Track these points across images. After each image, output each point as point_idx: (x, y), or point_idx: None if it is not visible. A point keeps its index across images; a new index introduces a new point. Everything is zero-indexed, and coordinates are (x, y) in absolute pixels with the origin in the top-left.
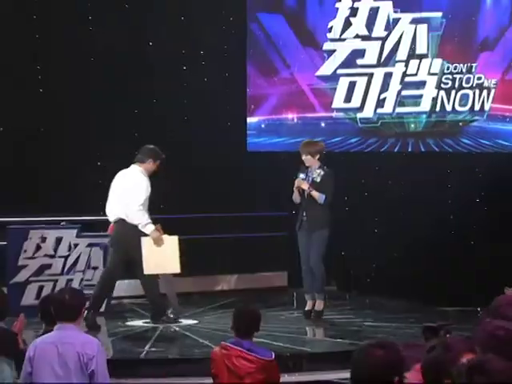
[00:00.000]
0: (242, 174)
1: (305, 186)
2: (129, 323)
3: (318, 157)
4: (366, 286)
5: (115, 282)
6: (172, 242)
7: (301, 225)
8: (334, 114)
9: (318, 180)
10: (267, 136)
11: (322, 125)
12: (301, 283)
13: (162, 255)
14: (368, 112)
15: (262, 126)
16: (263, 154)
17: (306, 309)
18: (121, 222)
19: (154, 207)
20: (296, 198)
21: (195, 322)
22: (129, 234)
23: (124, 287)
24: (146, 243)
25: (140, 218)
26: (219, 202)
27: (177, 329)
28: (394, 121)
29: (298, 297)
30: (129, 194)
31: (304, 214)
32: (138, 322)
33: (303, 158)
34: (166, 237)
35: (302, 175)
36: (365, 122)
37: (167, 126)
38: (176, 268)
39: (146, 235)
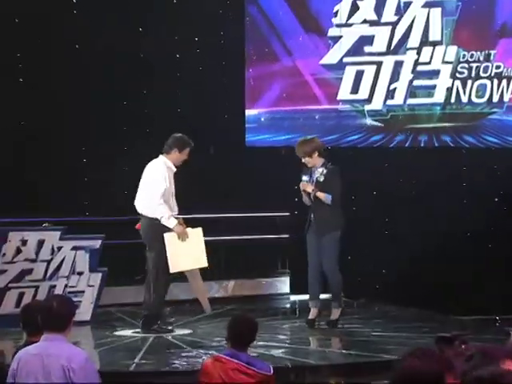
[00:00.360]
0: (240, 171)
1: (309, 189)
2: (117, 333)
3: (316, 154)
4: (375, 293)
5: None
6: (197, 235)
7: (309, 227)
8: (340, 107)
9: (322, 179)
10: (267, 130)
11: (327, 118)
12: (304, 290)
13: (187, 250)
14: (377, 104)
15: (262, 119)
16: (263, 149)
17: (310, 317)
18: (143, 217)
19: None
20: (306, 200)
21: (189, 331)
22: (150, 230)
23: (112, 294)
24: (170, 239)
25: (162, 212)
26: (214, 201)
27: (169, 338)
28: (405, 113)
29: (301, 304)
30: (147, 187)
31: (312, 216)
32: (127, 332)
33: (302, 160)
34: (189, 230)
35: (305, 177)
36: (373, 115)
37: (157, 119)
38: (203, 262)
39: (168, 230)
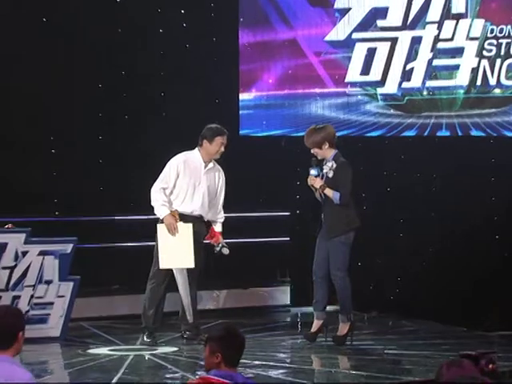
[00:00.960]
0: (232, 164)
1: (317, 184)
2: (91, 351)
3: (326, 146)
4: (389, 304)
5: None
6: (186, 231)
7: (320, 229)
8: (349, 90)
9: (331, 175)
10: (264, 116)
11: (334, 103)
12: (307, 301)
13: (176, 246)
14: (391, 87)
15: (259, 103)
16: (259, 139)
17: (311, 331)
18: None
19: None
20: (318, 196)
21: (174, 349)
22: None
23: (85, 306)
24: (162, 231)
25: (154, 199)
26: None
27: (151, 357)
28: (424, 98)
29: (304, 318)
30: None
31: (322, 217)
32: (103, 350)
33: (312, 151)
34: (180, 224)
35: (313, 171)
36: (387, 100)
37: (138, 104)
38: (190, 262)
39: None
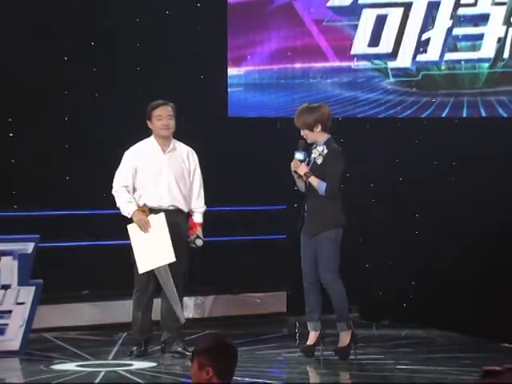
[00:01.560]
0: (220, 149)
1: (301, 171)
2: (55, 367)
3: (319, 128)
4: (402, 312)
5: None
6: (159, 223)
7: (302, 223)
8: (355, 64)
9: (320, 161)
10: (256, 94)
11: (337, 79)
12: (304, 309)
13: (152, 243)
14: (404, 60)
15: (250, 80)
16: (251, 121)
17: (307, 344)
18: None
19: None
20: (301, 186)
21: (152, 364)
22: None
23: (49, 315)
24: (133, 231)
25: (117, 199)
26: None
27: (125, 374)
28: (442, 72)
29: (302, 328)
30: None
31: (305, 209)
32: (69, 366)
33: (301, 132)
34: (151, 217)
35: (298, 154)
36: (399, 75)
37: (109, 81)
38: (170, 256)
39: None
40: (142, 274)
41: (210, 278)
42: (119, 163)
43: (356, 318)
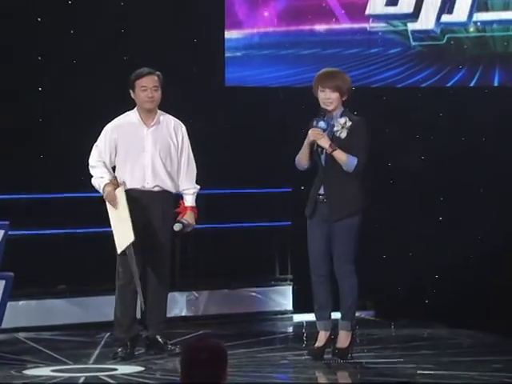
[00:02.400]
0: (215, 123)
1: (325, 142)
2: (28, 372)
3: (345, 97)
4: (424, 309)
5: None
6: (120, 197)
7: (315, 209)
8: (370, 26)
9: (344, 135)
10: (258, 61)
11: (350, 43)
12: (312, 306)
13: (119, 220)
14: (426, 21)
15: (250, 44)
16: (251, 91)
17: (316, 345)
18: None
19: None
20: (302, 160)
21: (139, 368)
22: None
23: (21, 312)
24: (109, 208)
25: (93, 175)
26: None
27: (107, 379)
28: (471, 35)
29: (310, 328)
30: None
31: (322, 192)
32: (44, 371)
33: (324, 96)
34: (118, 190)
35: (321, 123)
36: (421, 39)
37: (88, 45)
38: (129, 235)
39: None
40: (126, 262)
41: (204, 270)
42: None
43: (371, 316)
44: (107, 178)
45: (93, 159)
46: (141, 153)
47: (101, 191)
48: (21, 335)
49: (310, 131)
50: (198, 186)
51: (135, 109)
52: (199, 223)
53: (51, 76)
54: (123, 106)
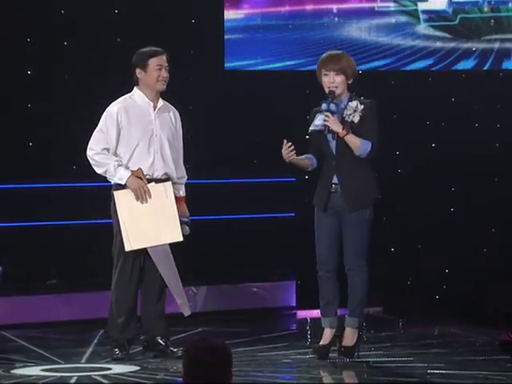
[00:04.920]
0: (215, 109)
1: (337, 127)
2: (17, 371)
3: (351, 81)
4: (434, 305)
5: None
6: (164, 193)
7: (328, 200)
8: (378, 6)
9: (357, 119)
10: (260, 43)
11: (357, 24)
12: (318, 302)
13: (151, 216)
14: (438, 1)
15: (251, 25)
16: (252, 75)
17: (321, 343)
18: None
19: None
20: (332, 147)
21: (135, 368)
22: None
23: (9, 309)
24: (123, 200)
25: (100, 164)
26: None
27: (101, 380)
28: (485, 15)
29: (315, 325)
30: None
31: (335, 181)
32: (34, 370)
33: (328, 80)
34: (153, 186)
35: (332, 105)
36: (432, 19)
37: (83, 25)
38: (177, 233)
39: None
40: (127, 253)
41: (203, 265)
42: (95, 124)
43: (379, 312)
44: (126, 168)
45: (97, 145)
46: (150, 138)
47: (121, 181)
48: (9, 333)
49: (319, 116)
50: (186, 176)
51: (137, 90)
52: (199, 215)
53: (38, 56)
54: (117, 90)
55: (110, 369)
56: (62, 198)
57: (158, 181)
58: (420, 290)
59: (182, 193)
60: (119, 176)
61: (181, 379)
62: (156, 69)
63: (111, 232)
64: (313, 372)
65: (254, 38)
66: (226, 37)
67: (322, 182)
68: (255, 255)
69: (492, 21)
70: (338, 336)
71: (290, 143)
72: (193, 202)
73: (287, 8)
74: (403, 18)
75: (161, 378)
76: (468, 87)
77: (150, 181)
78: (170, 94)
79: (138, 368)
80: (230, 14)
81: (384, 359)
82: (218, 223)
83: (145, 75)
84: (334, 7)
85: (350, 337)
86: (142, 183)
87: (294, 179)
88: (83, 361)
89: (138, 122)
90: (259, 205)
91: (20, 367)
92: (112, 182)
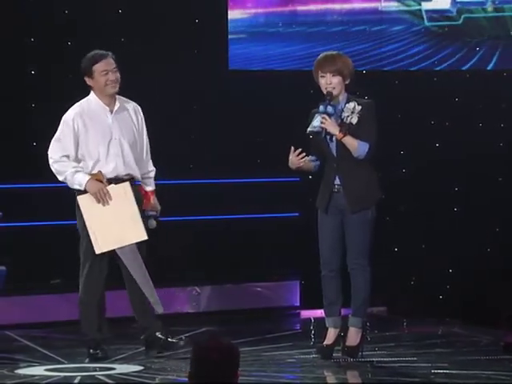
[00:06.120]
0: (219, 109)
1: (334, 128)
2: (21, 371)
3: (348, 81)
4: (438, 306)
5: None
6: (124, 193)
7: (329, 201)
8: (382, 5)
9: (355, 120)
10: (263, 44)
11: (360, 24)
12: (322, 302)
13: (114, 218)
14: (442, 0)
15: (255, 25)
16: (256, 75)
17: (325, 343)
18: None
19: None
20: (333, 149)
21: (138, 368)
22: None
23: (13, 309)
24: (86, 204)
25: (60, 171)
26: (178, 160)
27: (105, 379)
28: (489, 15)
29: (319, 324)
30: None
31: (338, 182)
32: (38, 370)
33: (325, 82)
34: (113, 187)
35: (329, 107)
36: (436, 19)
37: (84, 25)
38: (141, 233)
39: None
40: (95, 255)
41: (206, 264)
42: None
43: (383, 312)
44: (84, 173)
45: (55, 153)
46: (109, 142)
47: (80, 187)
48: (13, 332)
49: (317, 118)
50: (155, 169)
51: (92, 94)
52: (201, 215)
53: (42, 55)
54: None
55: (113, 369)
56: (66, 199)
57: (119, 181)
58: (423, 289)
59: (151, 187)
60: (77, 182)
61: (185, 379)
62: (102, 74)
63: None
64: (316, 372)
65: (257, 37)
66: (229, 37)
67: (325, 183)
68: (258, 255)
69: (496, 20)
70: (342, 336)
71: (300, 149)
72: (197, 202)
73: (291, 8)
74: (407, 18)
75: (164, 377)
76: (472, 87)
77: (116, 182)
78: (174, 93)
79: (142, 368)
80: (233, 14)
81: (388, 359)
82: (220, 223)
83: (93, 82)
84: (338, 7)
85: (353, 337)
86: (100, 186)
87: (298, 179)
88: (87, 361)
89: (95, 126)
90: (263, 205)
91: (24, 367)
92: (70, 185)
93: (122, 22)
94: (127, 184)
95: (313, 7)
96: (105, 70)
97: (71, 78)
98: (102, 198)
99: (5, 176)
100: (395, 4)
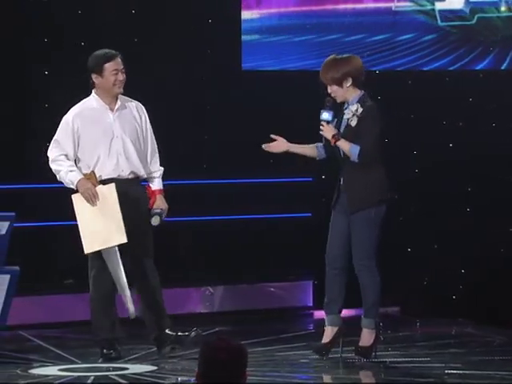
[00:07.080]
0: (232, 109)
1: (328, 133)
2: (35, 371)
3: (350, 83)
4: (451, 306)
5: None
6: (109, 195)
7: (337, 200)
8: (396, 5)
9: (354, 123)
10: (277, 44)
11: (374, 24)
12: None
13: (101, 218)
14: (455, 0)
15: (269, 25)
16: (269, 75)
17: (323, 341)
18: None
19: None
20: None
21: (151, 368)
22: None
23: (26, 308)
24: (78, 203)
25: (56, 170)
26: (193, 161)
27: (118, 379)
28: (503, 15)
29: None
30: None
31: (341, 182)
32: (51, 370)
33: (328, 90)
34: (101, 188)
35: (325, 114)
36: (450, 19)
37: (96, 26)
38: (121, 236)
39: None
40: (102, 263)
41: (220, 265)
42: None
43: (396, 312)
44: (78, 172)
45: (52, 153)
46: (111, 140)
47: (72, 184)
48: (26, 333)
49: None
50: (162, 168)
51: (94, 94)
52: (212, 215)
53: (55, 54)
54: (130, 89)
55: (127, 369)
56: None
57: (124, 181)
58: (436, 290)
59: (158, 186)
60: (70, 181)
61: None
62: (113, 73)
63: None
64: (330, 372)
65: (270, 38)
66: (242, 37)
67: (336, 183)
68: (272, 255)
69: (509, 20)
70: (340, 335)
71: (275, 136)
72: (209, 202)
73: (304, 8)
74: (420, 18)
75: (178, 377)
76: (485, 87)
77: (117, 181)
78: (188, 93)
79: (155, 368)
80: (246, 14)
81: (401, 359)
82: (233, 223)
83: (101, 80)
84: (351, 7)
85: (366, 337)
86: (88, 186)
87: (310, 179)
88: (100, 361)
89: (95, 126)
90: (276, 205)
91: (37, 367)
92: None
93: (135, 21)
94: (112, 185)
95: (326, 7)
96: (115, 70)
97: (71, 78)
98: (90, 199)
99: (16, 176)
100: (409, 4)
